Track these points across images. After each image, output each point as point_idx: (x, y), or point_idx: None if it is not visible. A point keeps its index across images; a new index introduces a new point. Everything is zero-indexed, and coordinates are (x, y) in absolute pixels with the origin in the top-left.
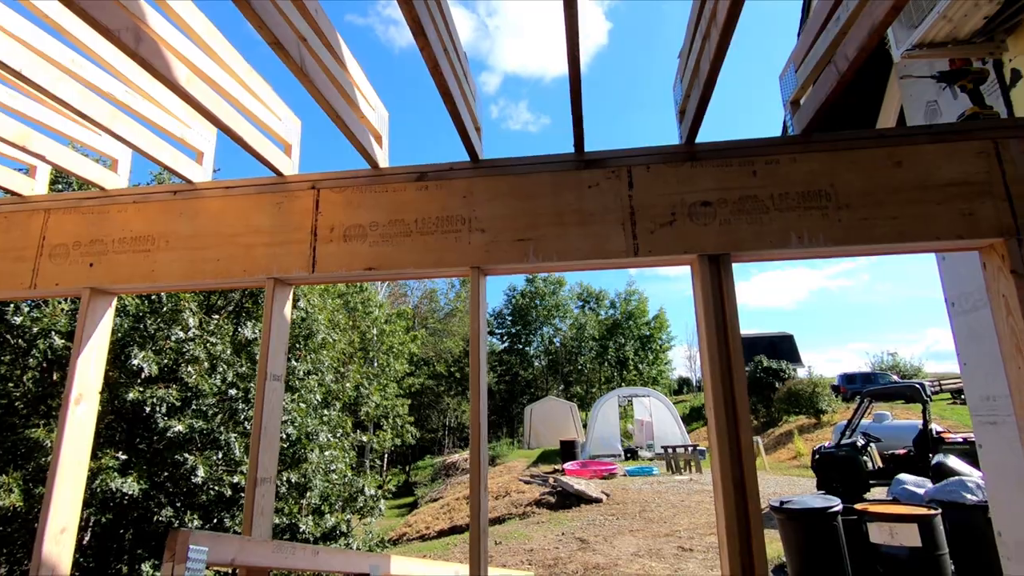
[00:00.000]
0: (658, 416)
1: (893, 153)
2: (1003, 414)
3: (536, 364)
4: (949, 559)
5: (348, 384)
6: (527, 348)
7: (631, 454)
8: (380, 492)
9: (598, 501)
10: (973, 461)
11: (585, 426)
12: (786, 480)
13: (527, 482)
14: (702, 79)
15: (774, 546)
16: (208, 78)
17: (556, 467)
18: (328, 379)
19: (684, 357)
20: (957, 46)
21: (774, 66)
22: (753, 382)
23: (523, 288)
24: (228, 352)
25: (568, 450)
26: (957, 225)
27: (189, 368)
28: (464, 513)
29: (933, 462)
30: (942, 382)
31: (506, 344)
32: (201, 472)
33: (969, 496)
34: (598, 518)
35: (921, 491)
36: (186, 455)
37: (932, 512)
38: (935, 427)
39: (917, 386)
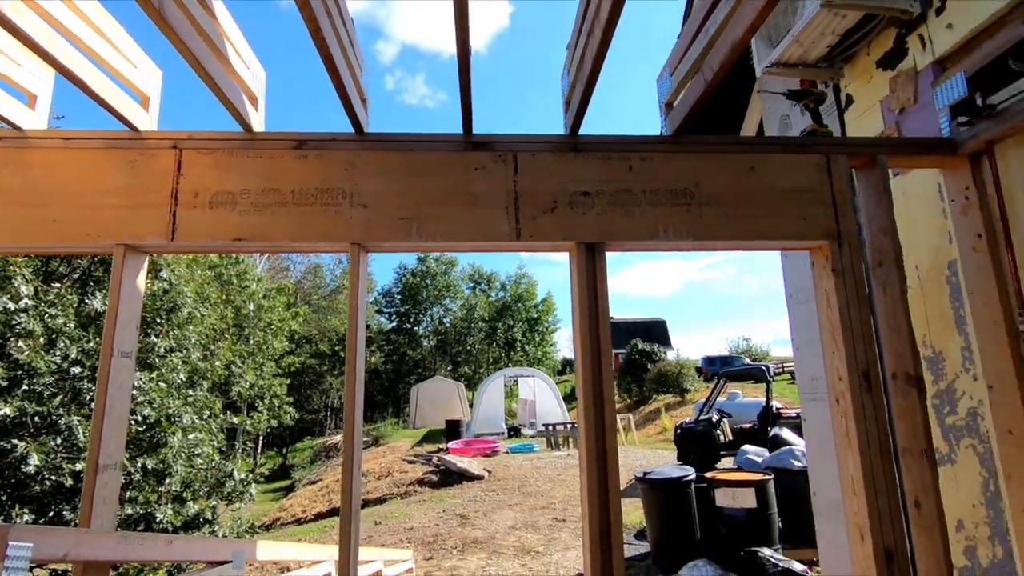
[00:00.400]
0: (541, 395)
1: (749, 159)
2: (822, 392)
3: (425, 344)
4: (778, 517)
5: (218, 362)
6: (416, 328)
7: (514, 432)
8: (251, 476)
9: (480, 478)
10: (803, 433)
11: (471, 405)
12: (652, 453)
13: (411, 462)
14: (585, 73)
15: (638, 513)
16: (41, 8)
17: (441, 446)
18: (195, 357)
19: (568, 339)
20: (806, 69)
21: (658, 68)
22: (629, 363)
23: (414, 267)
24: (72, 326)
25: (453, 429)
26: (796, 227)
27: (20, 343)
28: None
29: (771, 434)
30: (784, 365)
31: (394, 323)
32: (34, 460)
33: (796, 463)
34: (479, 494)
35: (760, 459)
36: (15, 441)
37: (766, 477)
38: (776, 404)
39: (763, 368)
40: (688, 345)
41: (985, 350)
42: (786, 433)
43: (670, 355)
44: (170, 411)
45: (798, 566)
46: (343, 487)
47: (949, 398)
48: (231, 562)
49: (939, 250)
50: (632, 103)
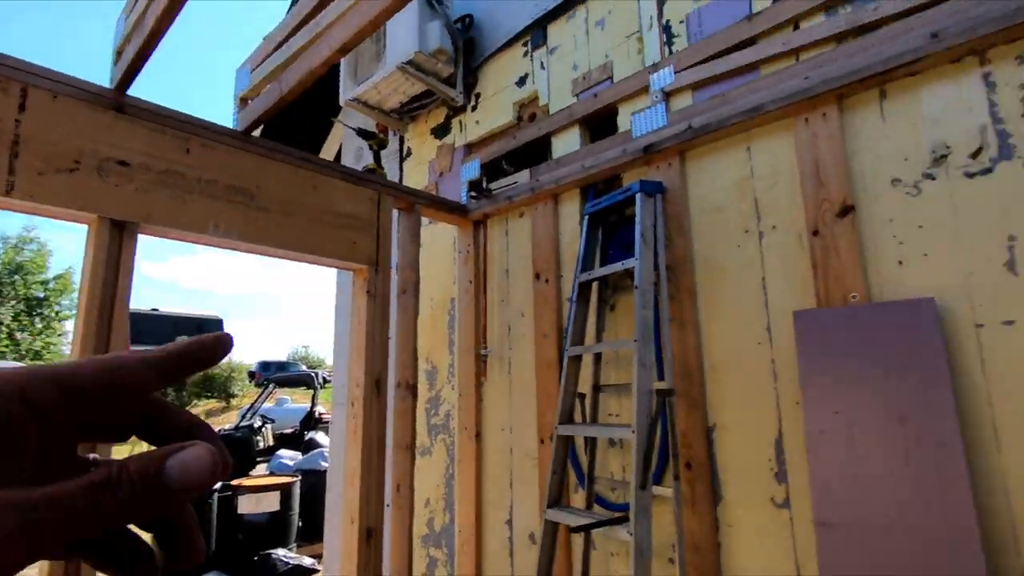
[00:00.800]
0: None
1: (313, 178)
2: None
3: None
4: (299, 517)
5: None
6: None
7: None
8: None
9: None
10: None
11: None
12: None
13: None
14: (145, 31)
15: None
16: None
17: None
18: None
19: None
20: (383, 114)
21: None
22: None
23: None
24: None
25: None
26: (347, 249)
27: None
28: None
29: (306, 438)
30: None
31: None
32: None
33: (324, 463)
34: None
35: (292, 463)
36: None
37: (291, 480)
38: (320, 409)
39: (312, 375)
40: (248, 348)
41: (461, 367)
42: (321, 436)
43: None
44: None
45: (308, 561)
46: None
47: (436, 403)
48: None
49: (446, 288)
50: (209, 87)
